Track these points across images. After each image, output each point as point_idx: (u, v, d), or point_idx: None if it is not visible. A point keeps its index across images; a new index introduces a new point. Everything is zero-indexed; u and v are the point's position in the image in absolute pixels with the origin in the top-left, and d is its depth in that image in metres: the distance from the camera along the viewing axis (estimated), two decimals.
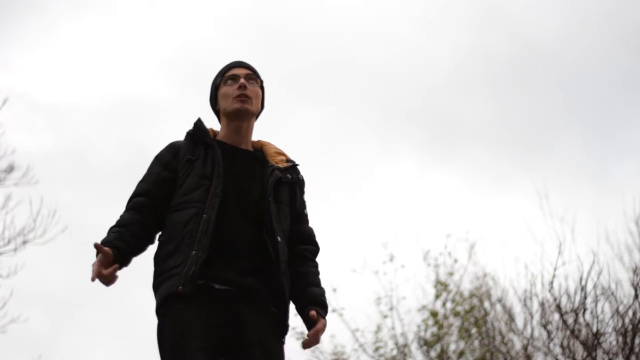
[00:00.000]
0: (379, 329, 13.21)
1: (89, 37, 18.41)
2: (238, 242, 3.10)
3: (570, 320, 8.57)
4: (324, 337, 13.33)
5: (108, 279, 3.02)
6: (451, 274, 13.39)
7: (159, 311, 3.09)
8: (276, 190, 3.23)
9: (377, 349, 13.09)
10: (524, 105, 18.39)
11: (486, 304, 12.47)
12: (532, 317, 9.75)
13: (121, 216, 3.20)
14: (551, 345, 9.10)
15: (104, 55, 18.12)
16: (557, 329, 8.93)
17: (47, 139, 17.38)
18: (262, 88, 3.41)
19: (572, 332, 8.53)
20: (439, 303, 13.19)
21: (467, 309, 12.93)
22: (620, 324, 8.28)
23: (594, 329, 8.37)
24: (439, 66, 18.65)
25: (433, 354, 12.88)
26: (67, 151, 17.44)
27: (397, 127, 18.85)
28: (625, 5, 16.91)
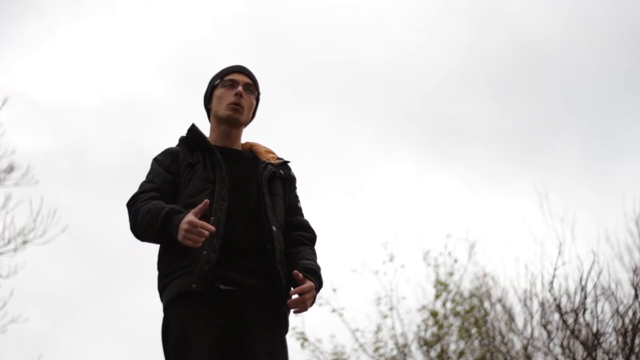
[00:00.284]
0: (379, 329, 13.21)
1: (88, 37, 18.42)
2: (242, 242, 3.13)
3: (570, 320, 8.57)
4: (324, 337, 13.35)
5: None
6: (451, 274, 13.39)
7: (166, 309, 3.12)
8: (270, 184, 3.30)
9: (377, 349, 13.09)
10: (523, 105, 18.40)
11: (486, 304, 12.48)
12: (532, 317, 9.75)
13: (146, 203, 3.14)
14: (551, 345, 9.09)
15: (103, 56, 18.12)
16: (557, 329, 8.93)
17: (47, 139, 17.39)
18: (257, 99, 3.45)
19: (572, 332, 8.52)
20: (439, 303, 13.19)
21: (467, 309, 12.93)
22: (620, 324, 8.28)
23: (594, 329, 8.37)
24: (439, 66, 18.65)
25: (433, 354, 12.87)
26: (66, 151, 17.44)
27: (396, 128, 18.85)
28: (625, 5, 16.92)
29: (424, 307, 13.17)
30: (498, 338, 11.50)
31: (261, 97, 3.48)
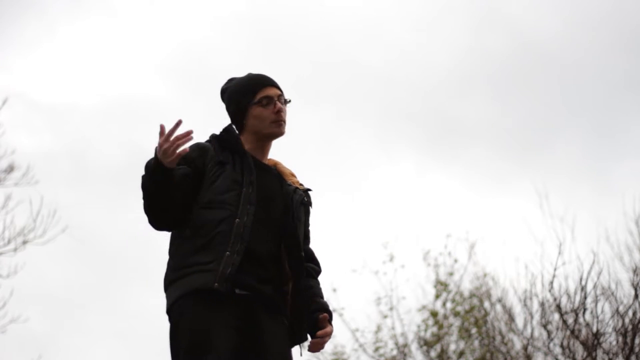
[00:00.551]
0: (379, 329, 13.22)
1: (88, 37, 18.42)
2: (261, 252, 3.14)
3: (570, 320, 8.57)
4: None
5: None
6: (451, 274, 13.40)
7: (176, 302, 3.06)
8: (297, 209, 3.31)
9: (377, 349, 13.09)
10: (523, 105, 18.40)
11: (486, 304, 12.48)
12: (532, 317, 9.76)
13: None
14: (551, 345, 9.10)
15: (102, 56, 18.11)
16: (557, 329, 8.94)
17: (47, 139, 17.40)
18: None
19: (572, 332, 8.53)
20: (439, 303, 13.19)
21: (467, 309, 12.93)
22: (620, 324, 8.28)
23: (594, 329, 8.37)
24: (439, 67, 18.65)
25: (433, 354, 12.87)
26: (66, 151, 17.44)
27: (396, 128, 18.85)
28: (625, 6, 16.91)
29: (424, 307, 13.17)
30: (498, 338, 11.50)
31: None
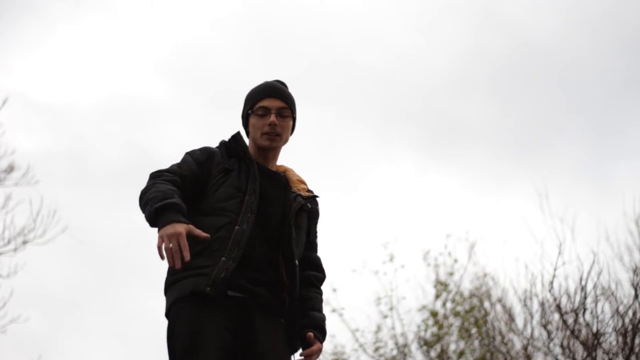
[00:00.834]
0: (379, 329, 13.22)
1: (88, 37, 18.43)
2: (256, 256, 3.15)
3: (570, 320, 8.57)
4: None
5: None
6: (451, 274, 13.40)
7: (173, 305, 3.11)
8: (297, 216, 3.30)
9: (377, 349, 13.09)
10: (523, 105, 18.40)
11: (486, 304, 12.48)
12: (532, 317, 9.75)
13: (164, 185, 3.11)
14: (551, 345, 9.09)
15: (102, 56, 18.13)
16: (557, 329, 8.93)
17: (47, 139, 17.40)
18: (293, 118, 3.40)
19: (572, 332, 8.52)
20: (439, 303, 13.20)
21: (467, 309, 12.93)
22: (620, 324, 8.28)
23: (594, 329, 8.37)
24: (439, 67, 18.66)
25: (433, 354, 12.87)
26: (66, 151, 17.45)
27: (396, 128, 18.86)
28: (625, 5, 16.91)
29: (424, 307, 13.17)
30: (498, 338, 11.50)
31: (297, 113, 3.43)
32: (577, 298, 8.51)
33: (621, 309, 8.28)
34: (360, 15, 18.31)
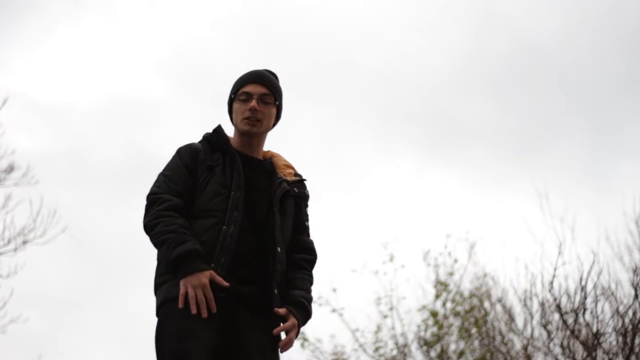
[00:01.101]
0: (379, 329, 13.21)
1: (88, 37, 18.42)
2: (242, 253, 3.14)
3: (570, 320, 8.56)
4: (324, 337, 13.34)
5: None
6: (451, 274, 13.40)
7: (162, 307, 3.12)
8: (282, 202, 3.28)
9: (377, 349, 13.09)
10: (523, 105, 18.40)
11: (486, 304, 12.48)
12: (532, 317, 9.75)
13: (171, 220, 3.12)
14: (551, 345, 9.09)
15: (102, 56, 18.12)
16: (557, 329, 8.93)
17: (47, 139, 17.40)
18: (278, 106, 3.38)
19: (572, 332, 8.52)
20: (439, 303, 13.19)
21: (467, 309, 12.93)
22: (620, 324, 8.28)
23: (594, 329, 8.36)
24: (439, 67, 18.65)
25: (433, 354, 12.87)
26: (66, 151, 17.45)
27: (396, 128, 18.86)
28: (625, 6, 16.91)
29: (424, 307, 13.17)
30: (498, 338, 11.50)
31: (283, 100, 3.41)
32: (577, 298, 8.51)
33: (621, 309, 8.28)
34: (360, 15, 18.31)
